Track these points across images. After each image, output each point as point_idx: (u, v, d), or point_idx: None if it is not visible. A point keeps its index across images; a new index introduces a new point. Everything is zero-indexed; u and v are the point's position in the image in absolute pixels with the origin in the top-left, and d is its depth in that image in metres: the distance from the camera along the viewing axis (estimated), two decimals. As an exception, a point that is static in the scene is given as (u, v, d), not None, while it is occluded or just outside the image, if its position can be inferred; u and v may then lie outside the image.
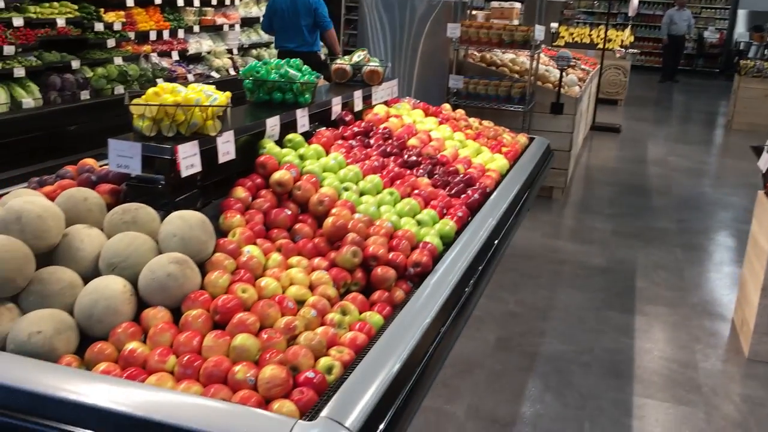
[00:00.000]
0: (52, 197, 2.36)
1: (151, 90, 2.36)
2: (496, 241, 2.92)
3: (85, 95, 6.64)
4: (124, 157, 2.28)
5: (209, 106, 2.34)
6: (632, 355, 3.88)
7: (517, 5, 8.81)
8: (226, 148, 2.50)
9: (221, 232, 2.29)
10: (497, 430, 3.15)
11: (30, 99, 6.06)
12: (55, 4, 6.48)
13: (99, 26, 6.91)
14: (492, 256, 2.84)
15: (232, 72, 9.13)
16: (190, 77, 8.20)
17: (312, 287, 2.17)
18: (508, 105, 5.90)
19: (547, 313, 4.30)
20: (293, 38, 7.09)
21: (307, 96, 3.10)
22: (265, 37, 10.21)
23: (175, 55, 8.26)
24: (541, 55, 7.33)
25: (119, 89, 7.07)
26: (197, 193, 2.45)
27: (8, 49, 5.91)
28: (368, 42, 6.69)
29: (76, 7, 6.70)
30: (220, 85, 8.24)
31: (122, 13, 7.31)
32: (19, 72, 6.00)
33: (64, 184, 2.44)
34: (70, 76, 6.56)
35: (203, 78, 8.49)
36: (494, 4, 8.77)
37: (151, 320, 1.87)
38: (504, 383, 3.53)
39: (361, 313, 2.14)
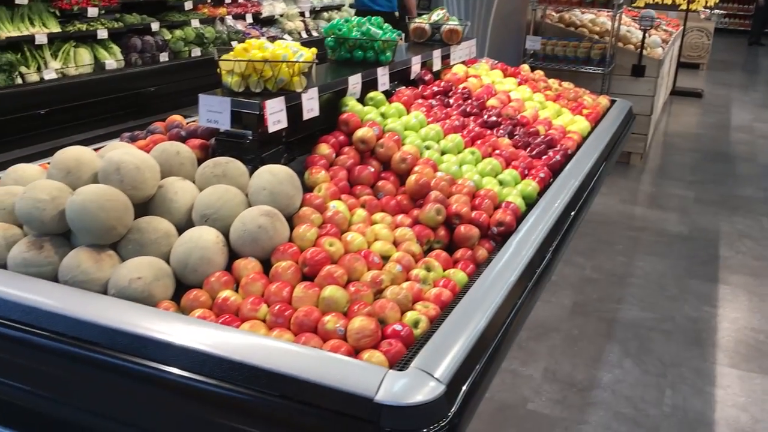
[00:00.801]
0: (145, 150, 2.43)
1: (239, 46, 2.39)
2: (578, 204, 2.86)
3: (163, 57, 6.80)
4: (213, 112, 2.32)
5: (296, 62, 2.35)
6: (716, 324, 3.76)
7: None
8: (311, 105, 2.52)
9: (306, 188, 2.32)
10: (575, 394, 3.12)
11: (112, 60, 6.24)
12: (136, -34, 6.62)
13: (177, -12, 7.02)
14: (573, 218, 2.79)
15: (304, 35, 9.16)
16: (264, 40, 8.26)
17: (396, 243, 2.18)
18: (587, 67, 5.73)
19: (625, 280, 4.21)
20: None
21: (388, 54, 3.08)
22: (336, 0, 10.18)
23: (249, 18, 8.34)
24: (622, 15, 7.06)
25: (196, 51, 7.20)
26: (282, 149, 2.48)
27: (92, 11, 6.08)
28: (447, 2, 6.57)
29: (155, -31, 6.83)
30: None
31: (199, -25, 7.41)
32: (102, 34, 6.18)
33: (156, 138, 2.51)
34: (150, 38, 6.71)
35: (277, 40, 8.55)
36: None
37: (243, 270, 1.91)
38: (581, 348, 3.49)
39: (444, 270, 2.14)
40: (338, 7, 10.25)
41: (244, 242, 1.96)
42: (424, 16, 3.94)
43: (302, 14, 9.48)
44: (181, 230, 2.02)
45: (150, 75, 6.61)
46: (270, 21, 8.85)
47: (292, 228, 2.06)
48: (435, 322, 1.84)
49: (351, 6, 7.99)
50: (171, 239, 1.97)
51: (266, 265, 1.97)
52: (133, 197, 1.98)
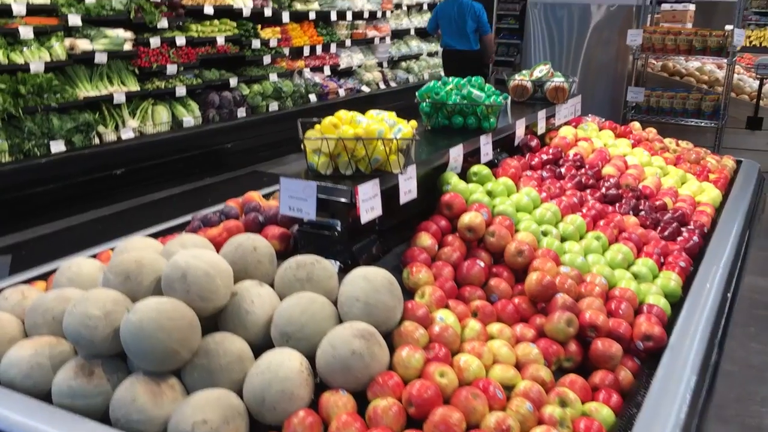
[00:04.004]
0: (217, 241, 2.10)
1: (327, 120, 2.04)
2: (728, 300, 2.36)
3: (241, 112, 6.64)
4: (296, 198, 1.97)
5: (394, 139, 1.98)
6: None
7: (691, 7, 7.98)
8: (409, 186, 2.14)
9: (406, 290, 1.92)
10: None
11: (190, 117, 6.10)
12: (216, 22, 6.52)
13: (256, 43, 6.90)
14: (727, 316, 2.29)
15: (382, 86, 8.93)
16: (342, 92, 8.07)
17: (519, 365, 1.75)
18: (697, 120, 5.18)
19: (765, 374, 3.60)
20: (458, 39, 7.88)
21: (492, 120, 2.69)
22: (415, 49, 9.96)
23: (326, 70, 8.17)
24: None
25: (273, 106, 7.03)
26: (375, 240, 2.10)
27: (171, 69, 5.98)
28: (529, 51, 6.19)
29: (234, 24, 6.72)
30: (371, 100, 8.06)
31: (278, 29, 7.29)
32: (181, 91, 6.06)
33: (230, 226, 2.17)
34: (227, 94, 6.58)
35: (354, 93, 8.34)
36: (665, 6, 7.98)
37: (333, 408, 1.52)
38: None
39: (583, 402, 1.68)
40: (416, 56, 10.02)
41: (334, 370, 1.57)
42: (524, 72, 3.55)
43: (380, 65, 9.27)
44: (257, 349, 1.65)
45: (227, 131, 6.45)
46: (348, 72, 8.66)
47: (391, 349, 1.66)
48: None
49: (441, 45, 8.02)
50: (245, 364, 1.60)
51: (361, 398, 1.57)
52: (201, 310, 1.63)
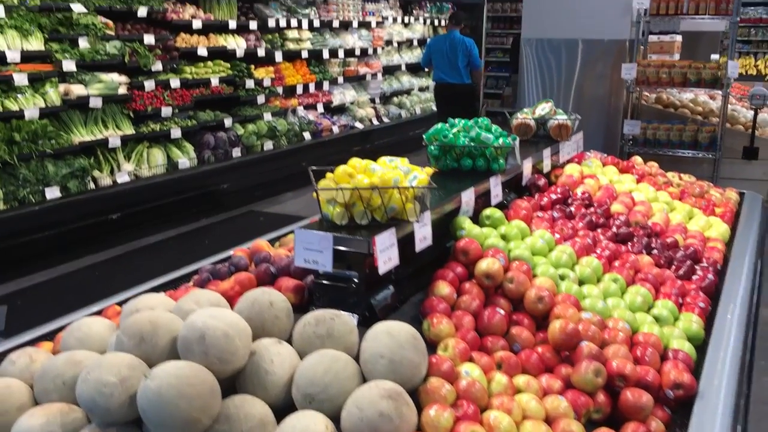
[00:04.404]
0: (229, 295, 2.05)
1: (341, 169, 2.00)
2: (750, 338, 2.32)
3: (236, 152, 6.62)
4: (312, 250, 1.92)
5: (411, 187, 1.95)
6: None
7: (678, 38, 8.09)
8: (424, 233, 2.09)
9: (427, 342, 1.86)
10: None
11: (185, 159, 6.07)
12: (210, 63, 6.53)
13: (250, 83, 6.91)
14: (751, 356, 2.25)
15: (375, 121, 8.95)
16: (336, 129, 8.07)
17: (549, 420, 1.69)
18: (695, 151, 5.20)
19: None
20: (450, 73, 8.11)
21: (501, 162, 2.66)
22: (406, 84, 10.02)
23: (320, 107, 8.19)
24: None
25: (268, 145, 7.02)
26: (391, 290, 2.05)
27: (166, 111, 5.96)
28: (523, 86, 6.22)
29: (228, 65, 6.73)
30: (365, 136, 8.07)
31: (271, 68, 7.31)
32: (176, 132, 6.04)
33: (242, 278, 2.12)
34: (222, 134, 6.56)
35: (347, 129, 8.35)
36: (652, 38, 8.09)
37: (361, 475, 1.45)
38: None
39: (617, 457, 1.63)
40: (408, 92, 10.09)
41: (361, 433, 1.50)
42: (526, 110, 3.54)
43: (372, 101, 9.32)
44: (278, 411, 1.59)
45: (223, 171, 6.42)
46: (341, 109, 8.69)
47: (418, 407, 1.60)
48: None
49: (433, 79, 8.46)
50: (267, 429, 1.54)
51: (389, 462, 1.50)
52: (220, 372, 1.57)
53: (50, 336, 2.15)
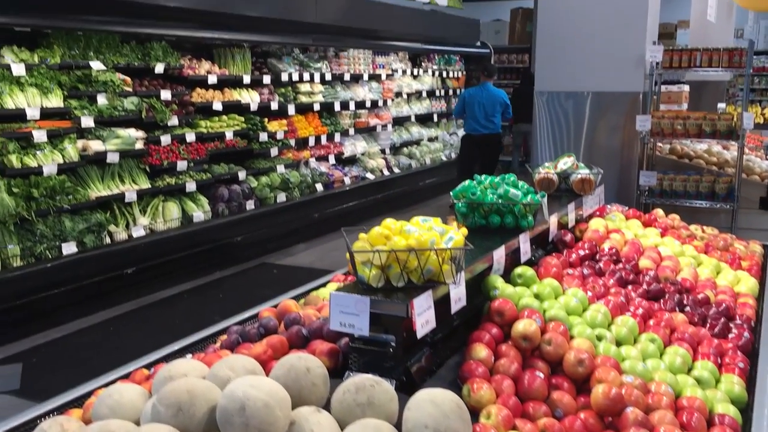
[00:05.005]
0: (262, 359, 2.00)
1: (376, 230, 1.98)
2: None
3: (250, 205, 6.63)
4: (348, 314, 1.89)
5: (448, 249, 1.92)
6: None
7: (686, 88, 8.16)
8: (458, 294, 2.06)
9: (468, 409, 1.81)
10: None
11: (200, 212, 6.07)
12: (224, 117, 6.59)
13: (263, 136, 6.96)
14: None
15: (386, 172, 8.99)
16: (347, 180, 8.10)
17: (599, 492, 1.63)
18: (712, 202, 5.18)
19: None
20: (485, 124, 8.43)
21: (530, 219, 2.64)
22: (416, 135, 10.10)
23: (331, 159, 8.23)
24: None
25: (281, 197, 7.03)
26: (428, 353, 2.01)
27: (181, 165, 5.99)
28: (535, 137, 6.26)
29: (242, 118, 6.80)
30: (377, 187, 8.09)
31: (284, 121, 7.38)
32: (191, 186, 6.06)
33: (274, 342, 2.08)
34: (236, 187, 6.58)
35: (359, 180, 8.38)
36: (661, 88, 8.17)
37: None
38: None
39: None
40: (417, 142, 10.15)
41: None
42: (547, 164, 3.54)
43: (383, 151, 9.37)
44: (320, 485, 1.53)
45: (236, 224, 6.42)
46: (352, 160, 8.73)
47: (465, 480, 1.54)
48: None
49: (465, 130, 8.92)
50: (311, 504, 1.48)
51: None
52: (260, 444, 1.52)
53: (78, 402, 2.11)
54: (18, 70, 4.78)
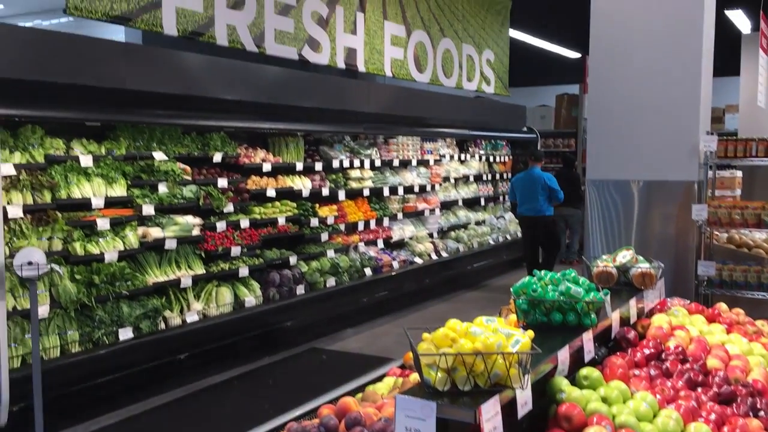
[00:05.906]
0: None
1: (441, 332, 1.98)
2: None
3: (300, 289, 6.67)
4: (413, 418, 1.86)
5: (515, 353, 1.90)
6: None
7: (738, 174, 8.06)
8: (525, 398, 2.02)
9: None
10: None
11: (252, 297, 6.13)
12: (277, 203, 6.74)
13: (314, 221, 7.08)
14: None
15: (434, 256, 8.99)
16: (395, 264, 8.12)
17: None
18: (775, 293, 5.02)
19: None
20: (530, 207, 8.86)
21: (593, 317, 2.60)
22: (463, 219, 10.13)
23: (380, 243, 8.29)
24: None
25: (331, 281, 7.07)
26: (496, 460, 1.95)
27: (235, 250, 6.11)
28: (587, 226, 6.19)
29: (294, 204, 6.94)
30: (425, 271, 8.06)
31: (335, 206, 7.50)
32: (243, 271, 6.15)
33: (338, 445, 2.05)
34: (287, 272, 6.65)
35: (407, 264, 8.38)
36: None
37: None
38: None
39: None
40: (465, 226, 10.17)
41: None
42: (605, 257, 3.50)
43: (430, 235, 9.40)
44: None
45: (287, 309, 6.45)
46: (400, 244, 8.78)
47: None
48: None
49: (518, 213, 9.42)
50: None
51: None
52: None
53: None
54: (86, 161, 5.01)
